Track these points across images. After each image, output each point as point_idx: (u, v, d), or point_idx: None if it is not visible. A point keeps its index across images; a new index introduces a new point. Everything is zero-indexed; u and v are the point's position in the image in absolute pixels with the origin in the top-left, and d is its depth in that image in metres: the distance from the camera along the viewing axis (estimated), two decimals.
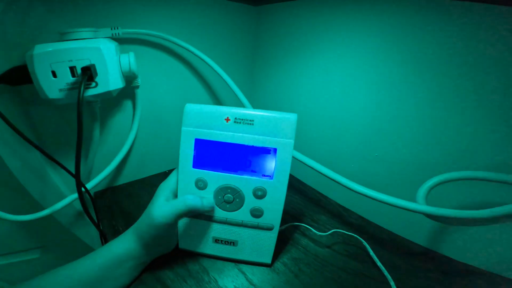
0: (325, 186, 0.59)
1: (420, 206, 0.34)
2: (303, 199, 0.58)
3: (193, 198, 0.36)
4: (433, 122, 0.40)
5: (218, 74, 0.55)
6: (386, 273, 0.39)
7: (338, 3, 0.48)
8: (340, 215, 0.53)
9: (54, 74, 0.37)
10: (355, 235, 0.44)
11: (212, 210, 0.38)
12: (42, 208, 0.46)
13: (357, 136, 0.51)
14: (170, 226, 0.35)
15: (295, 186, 0.63)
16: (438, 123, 0.40)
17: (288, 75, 0.62)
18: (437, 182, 0.35)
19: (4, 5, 0.38)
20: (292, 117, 0.34)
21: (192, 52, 0.54)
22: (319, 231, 0.45)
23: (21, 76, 0.38)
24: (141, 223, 0.36)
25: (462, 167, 0.37)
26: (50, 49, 0.37)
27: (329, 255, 0.43)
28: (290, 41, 0.59)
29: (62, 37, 0.40)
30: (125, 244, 0.36)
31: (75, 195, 0.47)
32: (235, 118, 0.35)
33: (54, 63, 0.37)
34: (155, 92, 0.58)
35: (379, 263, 0.40)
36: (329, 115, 0.55)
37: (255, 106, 0.67)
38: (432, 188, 0.36)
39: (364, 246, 0.43)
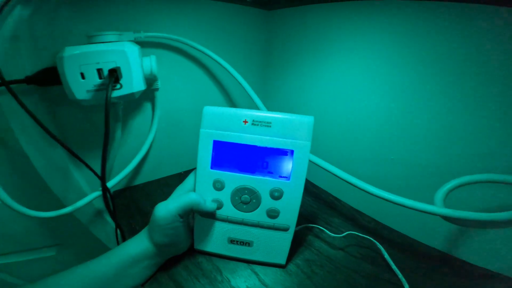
0: (339, 189, 0.59)
1: (438, 208, 0.34)
2: (317, 202, 0.58)
3: (195, 196, 0.37)
4: (451, 124, 0.40)
5: (233, 77, 0.56)
6: (400, 276, 0.38)
7: (348, 7, 0.49)
8: (354, 218, 0.53)
9: (82, 75, 0.39)
10: (370, 238, 0.44)
11: (213, 213, 0.39)
12: (61, 206, 0.48)
13: (372, 139, 0.51)
14: (174, 221, 0.35)
15: (308, 189, 0.63)
16: (456, 125, 0.40)
17: (300, 78, 0.63)
18: (457, 184, 0.35)
19: (32, 8, 0.39)
20: (309, 119, 0.35)
21: (208, 55, 0.55)
22: (335, 234, 0.45)
23: (50, 77, 0.40)
24: (151, 222, 0.37)
25: (481, 170, 0.37)
26: (79, 52, 0.38)
27: (343, 257, 0.43)
28: (302, 44, 0.60)
29: (89, 40, 0.42)
30: (139, 244, 0.36)
31: (96, 193, 0.48)
32: (253, 121, 0.36)
33: (83, 65, 0.38)
34: (173, 95, 0.59)
35: (394, 266, 0.40)
36: (342, 118, 0.55)
37: (269, 108, 0.67)
38: (451, 190, 0.35)
39: (378, 249, 0.43)
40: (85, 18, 0.45)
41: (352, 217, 0.54)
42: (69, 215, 0.48)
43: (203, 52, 0.55)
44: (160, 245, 0.36)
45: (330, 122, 0.58)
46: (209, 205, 0.38)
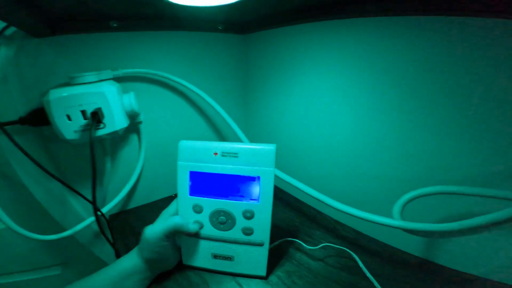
0: (320, 202, 0.61)
1: (394, 221, 0.37)
2: (300, 216, 0.61)
3: (179, 219, 0.40)
4: (413, 141, 0.42)
5: (212, 107, 0.59)
6: (376, 283, 0.40)
7: (316, 27, 0.51)
8: (335, 229, 0.55)
9: (68, 117, 0.42)
10: (344, 248, 0.46)
11: (197, 234, 0.43)
12: (63, 229, 0.51)
13: (345, 156, 0.53)
14: (161, 241, 0.39)
15: (292, 204, 0.66)
16: (417, 142, 0.42)
17: (277, 99, 0.65)
18: (410, 198, 0.38)
19: (15, 48, 0.42)
20: (271, 148, 0.39)
21: (186, 87, 0.58)
22: (312, 246, 0.47)
23: (41, 118, 0.43)
24: (141, 242, 0.41)
25: (438, 182, 0.38)
26: (63, 95, 0.41)
27: (322, 268, 0.45)
28: (277, 66, 0.62)
29: (71, 80, 0.44)
30: (131, 260, 0.41)
31: (92, 218, 0.52)
32: (222, 152, 0.40)
33: (68, 107, 0.42)
34: (157, 125, 0.63)
35: (368, 274, 0.42)
36: (317, 137, 0.57)
37: (250, 131, 0.69)
38: (406, 203, 0.38)
39: (355, 258, 0.45)
40: (65, 57, 0.48)
41: (333, 228, 0.56)
42: (70, 237, 0.52)
43: (181, 84, 0.58)
44: (149, 260, 0.40)
45: (307, 142, 0.60)
46: (192, 227, 0.42)
